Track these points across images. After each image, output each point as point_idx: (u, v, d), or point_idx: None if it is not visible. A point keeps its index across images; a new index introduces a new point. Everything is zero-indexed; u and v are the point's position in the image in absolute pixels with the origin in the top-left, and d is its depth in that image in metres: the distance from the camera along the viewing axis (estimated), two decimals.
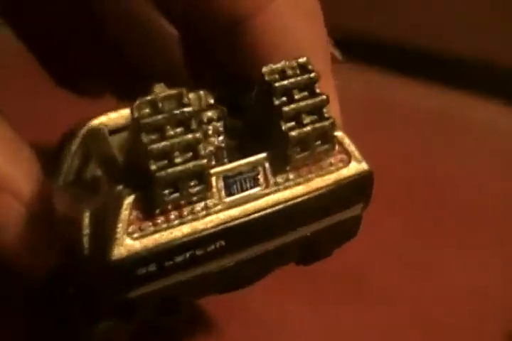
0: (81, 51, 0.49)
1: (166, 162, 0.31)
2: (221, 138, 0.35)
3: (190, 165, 0.32)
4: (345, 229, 0.37)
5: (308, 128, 0.34)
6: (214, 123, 0.35)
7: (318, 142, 0.34)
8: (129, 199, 0.32)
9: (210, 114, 0.35)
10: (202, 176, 0.32)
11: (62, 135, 0.40)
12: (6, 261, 0.40)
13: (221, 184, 0.33)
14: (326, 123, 0.34)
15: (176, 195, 0.32)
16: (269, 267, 0.36)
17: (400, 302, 0.49)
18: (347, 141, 0.36)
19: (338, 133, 0.35)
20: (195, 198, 0.33)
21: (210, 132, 0.35)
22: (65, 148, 0.38)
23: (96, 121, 0.38)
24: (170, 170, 0.31)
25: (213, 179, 0.33)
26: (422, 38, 0.76)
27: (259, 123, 0.35)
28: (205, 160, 0.32)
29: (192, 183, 0.32)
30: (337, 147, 0.35)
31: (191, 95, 0.35)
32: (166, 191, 0.32)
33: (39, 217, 0.39)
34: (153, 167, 0.31)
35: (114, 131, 0.37)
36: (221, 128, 0.36)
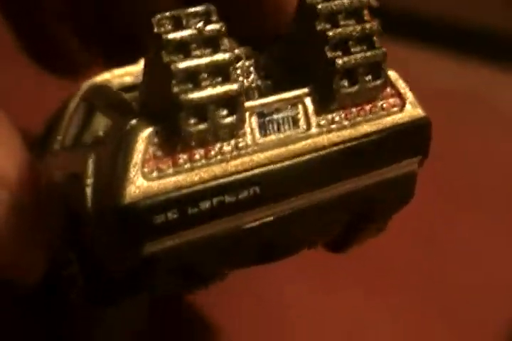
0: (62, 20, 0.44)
1: (191, 86, 0.26)
2: (252, 76, 0.30)
3: (221, 89, 0.26)
4: (399, 188, 0.31)
5: (358, 56, 0.28)
6: (242, 61, 0.30)
7: (369, 76, 0.29)
8: (145, 133, 0.26)
9: (237, 51, 0.30)
10: (234, 104, 0.27)
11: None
12: None
13: (254, 122, 0.28)
14: (378, 52, 0.28)
15: (203, 125, 0.26)
16: (313, 231, 0.30)
17: (413, 286, 0.46)
18: (401, 83, 0.30)
19: (391, 72, 0.30)
20: (224, 133, 0.27)
21: (239, 71, 0.30)
22: (63, 108, 0.34)
23: (98, 78, 0.33)
24: (196, 94, 0.26)
25: (246, 115, 0.28)
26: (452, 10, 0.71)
27: (298, 57, 0.29)
28: (237, 85, 0.26)
29: (222, 113, 0.26)
30: (389, 89, 0.30)
31: None
32: (192, 120, 0.26)
33: (27, 204, 0.34)
34: (176, 89, 0.26)
35: (122, 89, 0.32)
36: (251, 68, 0.30)
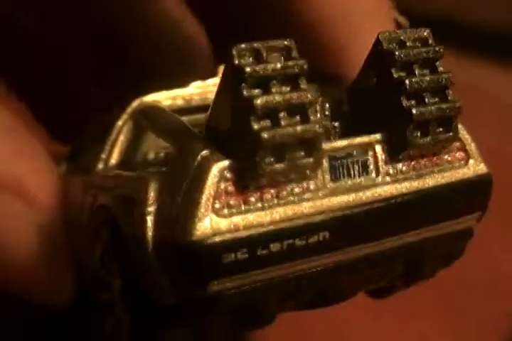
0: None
1: (269, 123, 0.25)
2: (318, 116, 0.29)
3: (301, 128, 0.26)
4: (455, 243, 0.31)
5: (433, 107, 0.28)
6: (318, 103, 0.29)
7: (440, 128, 0.28)
8: (219, 166, 0.26)
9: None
10: (313, 145, 0.26)
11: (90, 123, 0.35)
12: (18, 285, 0.33)
13: (326, 165, 0.27)
14: (453, 105, 0.28)
15: (281, 165, 0.26)
16: (367, 280, 0.30)
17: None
18: (467, 137, 0.30)
19: (460, 126, 0.29)
20: (298, 175, 0.26)
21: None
22: (107, 126, 0.33)
23: (147, 98, 0.33)
24: (277, 132, 0.25)
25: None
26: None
27: (368, 102, 0.29)
28: (317, 126, 0.26)
29: (300, 154, 0.26)
30: (456, 142, 0.30)
31: None
32: (270, 159, 0.25)
33: (54, 224, 0.33)
34: (256, 126, 0.25)
35: (174, 112, 0.31)
36: (327, 111, 0.30)
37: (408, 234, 0.29)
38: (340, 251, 0.27)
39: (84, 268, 0.34)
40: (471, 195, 0.30)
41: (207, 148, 0.26)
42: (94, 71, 0.43)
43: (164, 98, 0.33)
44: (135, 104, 0.32)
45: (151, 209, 0.27)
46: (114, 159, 0.33)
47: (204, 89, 0.34)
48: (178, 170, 0.27)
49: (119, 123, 0.33)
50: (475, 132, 0.30)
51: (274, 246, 0.26)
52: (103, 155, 0.33)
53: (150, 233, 0.27)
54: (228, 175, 0.26)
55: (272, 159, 0.25)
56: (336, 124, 0.29)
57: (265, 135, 0.25)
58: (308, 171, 0.26)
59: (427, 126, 0.28)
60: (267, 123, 0.25)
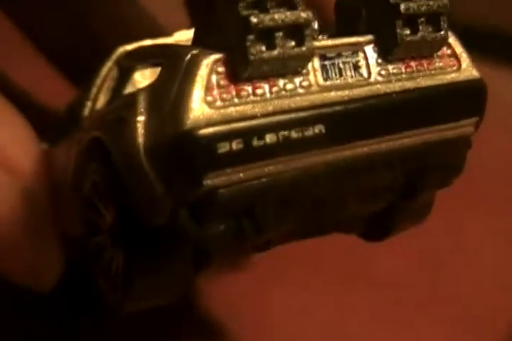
0: None
1: (257, 11, 0.25)
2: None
3: (290, 14, 0.25)
4: (454, 152, 0.30)
5: (421, 2, 0.28)
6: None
7: (430, 28, 0.28)
8: (209, 59, 0.25)
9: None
10: (303, 34, 0.26)
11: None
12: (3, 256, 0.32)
13: (317, 64, 0.27)
14: (440, 2, 0.28)
15: (272, 52, 0.25)
16: (368, 190, 0.29)
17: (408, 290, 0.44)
18: (457, 44, 0.30)
19: (449, 33, 0.29)
20: (290, 67, 0.26)
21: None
22: (92, 76, 0.33)
23: (130, 47, 0.32)
24: (266, 16, 0.25)
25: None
26: None
27: (357, 13, 0.29)
28: (305, 13, 0.26)
29: (291, 43, 0.25)
30: (446, 48, 0.29)
31: None
32: (260, 46, 0.25)
33: (36, 191, 0.32)
34: (244, 12, 0.25)
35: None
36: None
37: (404, 133, 0.28)
38: (337, 147, 0.27)
39: (71, 232, 0.33)
40: (465, 98, 0.29)
41: (196, 48, 0.26)
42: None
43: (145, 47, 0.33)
44: (118, 51, 0.32)
45: (140, 118, 0.26)
46: (99, 105, 0.32)
47: (189, 38, 0.34)
48: (167, 74, 0.26)
49: (104, 70, 0.32)
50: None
51: (270, 138, 0.25)
52: (88, 103, 0.32)
53: (140, 139, 0.26)
54: (220, 69, 0.25)
55: (263, 47, 0.25)
56: (325, 37, 0.29)
57: (254, 19, 0.25)
58: (299, 64, 0.26)
59: (415, 22, 0.28)
60: (255, 10, 0.25)
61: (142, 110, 0.26)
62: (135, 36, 0.37)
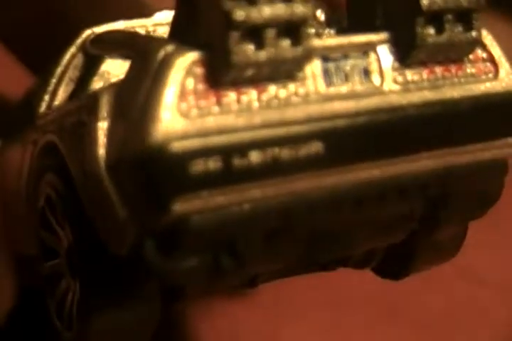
0: None
1: (245, 3, 0.20)
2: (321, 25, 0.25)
3: (283, 9, 0.21)
4: (486, 178, 0.25)
5: None
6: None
7: (459, 27, 0.23)
8: (185, 59, 0.21)
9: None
10: (299, 32, 0.21)
11: None
12: None
13: (318, 67, 0.22)
14: None
15: (262, 53, 0.21)
16: (377, 222, 0.24)
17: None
18: (495, 45, 0.25)
19: (484, 32, 0.24)
20: (283, 72, 0.21)
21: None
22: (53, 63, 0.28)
23: (100, 29, 0.28)
24: (252, 11, 0.20)
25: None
26: None
27: (371, 3, 0.24)
28: (302, 6, 0.21)
29: (284, 42, 0.21)
30: (481, 51, 0.24)
31: None
32: (246, 45, 0.20)
33: None
34: (227, 5, 0.20)
35: None
36: (321, 17, 0.26)
37: (423, 155, 0.23)
38: (339, 170, 0.22)
39: (24, 251, 0.29)
40: (501, 113, 0.24)
41: (171, 44, 0.21)
42: None
43: (120, 28, 0.28)
44: (85, 34, 0.28)
45: (102, 124, 0.22)
46: (58, 100, 0.28)
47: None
48: (136, 74, 0.22)
49: (66, 56, 0.28)
50: None
51: (255, 156, 0.21)
52: (46, 96, 0.28)
53: (102, 150, 0.22)
54: (198, 70, 0.21)
55: (250, 46, 0.20)
56: (332, 32, 0.25)
57: (237, 13, 0.20)
58: (295, 67, 0.21)
59: (440, 20, 0.23)
60: (241, 2, 0.20)
61: (105, 115, 0.22)
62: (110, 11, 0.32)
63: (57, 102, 0.28)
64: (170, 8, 0.29)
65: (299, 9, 0.21)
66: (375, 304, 0.40)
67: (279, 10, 0.20)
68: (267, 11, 0.20)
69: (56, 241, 0.25)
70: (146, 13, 0.29)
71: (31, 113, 0.28)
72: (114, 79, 0.27)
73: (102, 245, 0.23)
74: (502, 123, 0.24)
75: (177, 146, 0.20)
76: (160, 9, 0.29)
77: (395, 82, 0.23)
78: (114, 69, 0.28)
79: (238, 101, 0.21)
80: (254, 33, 0.20)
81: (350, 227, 0.24)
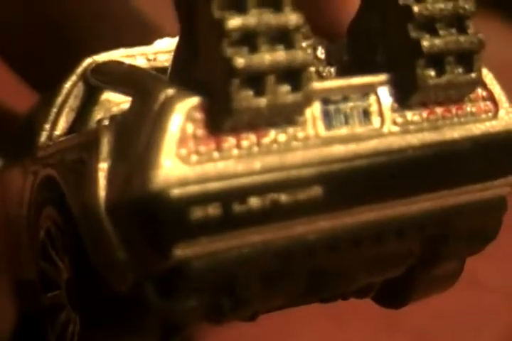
0: None
1: (246, 49, 0.21)
2: (321, 62, 0.25)
3: (284, 55, 0.21)
4: (485, 217, 0.25)
5: (448, 39, 0.23)
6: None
7: (459, 68, 0.23)
8: (185, 104, 0.21)
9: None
10: (299, 78, 0.21)
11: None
12: None
13: (318, 110, 0.22)
14: (473, 39, 0.23)
15: (261, 100, 0.21)
16: (376, 261, 0.24)
17: None
18: (495, 84, 0.25)
19: (484, 70, 0.24)
20: (282, 116, 0.21)
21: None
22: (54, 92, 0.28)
23: (101, 57, 0.28)
24: (254, 58, 0.20)
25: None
26: None
27: (372, 44, 0.24)
28: (303, 53, 0.21)
29: (284, 88, 0.21)
30: (481, 90, 0.24)
31: None
32: (247, 92, 0.20)
33: None
34: (229, 51, 0.20)
35: None
36: (321, 54, 0.25)
37: (422, 197, 0.23)
38: (337, 214, 0.22)
39: (25, 277, 0.29)
40: (501, 152, 0.24)
41: (172, 87, 0.21)
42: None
43: (121, 56, 0.28)
44: (86, 63, 0.27)
45: (103, 165, 0.22)
46: (59, 129, 0.28)
47: (171, 50, 0.29)
48: (137, 115, 0.22)
49: (67, 86, 0.27)
50: None
51: (254, 201, 0.21)
52: (46, 126, 0.28)
53: (102, 192, 0.22)
54: (197, 116, 0.21)
55: (249, 93, 0.20)
56: (332, 70, 0.24)
57: (238, 60, 0.20)
58: (295, 112, 0.21)
59: (441, 62, 0.23)
60: (242, 49, 0.20)
61: (106, 155, 0.22)
62: (120, 32, 0.32)
63: (58, 132, 0.28)
64: (171, 35, 0.29)
65: (299, 56, 0.21)
66: (377, 312, 0.39)
67: (280, 57, 0.20)
68: (267, 58, 0.20)
69: (56, 272, 0.25)
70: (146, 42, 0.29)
71: (32, 141, 0.28)
72: (114, 108, 0.27)
73: (102, 279, 0.23)
74: (502, 163, 0.24)
75: (177, 193, 0.20)
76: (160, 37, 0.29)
77: (395, 123, 0.23)
78: (115, 97, 0.27)
79: (238, 146, 0.21)
80: (255, 79, 0.20)
81: (349, 266, 0.24)
